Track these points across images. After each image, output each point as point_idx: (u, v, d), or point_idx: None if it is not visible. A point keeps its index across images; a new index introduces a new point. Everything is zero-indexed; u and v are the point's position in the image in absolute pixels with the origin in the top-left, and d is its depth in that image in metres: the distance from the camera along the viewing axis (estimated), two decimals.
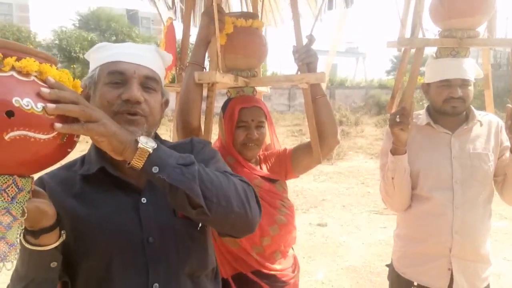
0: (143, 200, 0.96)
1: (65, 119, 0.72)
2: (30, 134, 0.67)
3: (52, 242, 0.83)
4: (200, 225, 1.00)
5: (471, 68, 1.52)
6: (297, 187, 6.33)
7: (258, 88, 1.81)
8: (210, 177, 0.84)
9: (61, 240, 0.85)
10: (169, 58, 1.10)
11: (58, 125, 0.70)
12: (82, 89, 0.98)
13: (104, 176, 0.97)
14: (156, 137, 1.07)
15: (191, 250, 0.99)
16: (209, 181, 0.83)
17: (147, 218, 0.95)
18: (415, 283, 1.58)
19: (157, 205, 0.96)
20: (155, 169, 0.78)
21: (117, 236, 0.92)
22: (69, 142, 0.76)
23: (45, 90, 0.70)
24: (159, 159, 0.79)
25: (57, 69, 0.77)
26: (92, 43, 19.86)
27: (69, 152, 0.79)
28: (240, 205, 0.87)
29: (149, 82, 0.96)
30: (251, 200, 0.90)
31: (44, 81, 0.73)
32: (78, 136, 0.79)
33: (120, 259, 0.92)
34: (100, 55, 0.99)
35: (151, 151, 0.79)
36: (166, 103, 1.08)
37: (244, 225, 0.91)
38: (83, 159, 1.04)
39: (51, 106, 0.69)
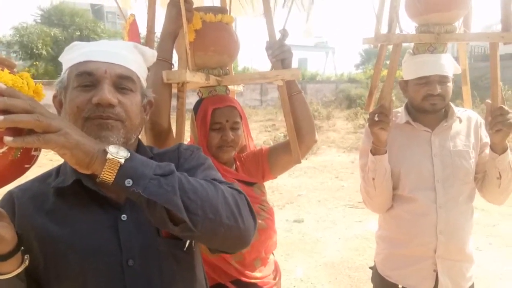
0: (123, 217, 0.86)
1: (19, 130, 0.62)
2: None
3: (12, 269, 0.74)
4: (186, 245, 0.90)
5: (449, 64, 1.49)
6: (272, 183, 6.29)
7: (232, 87, 1.72)
8: (194, 187, 0.74)
9: (23, 267, 0.75)
10: (152, 54, 1.00)
11: (8, 138, 0.60)
12: (54, 95, 0.89)
13: (80, 189, 0.86)
14: (139, 144, 0.97)
15: (176, 274, 0.89)
16: (193, 192, 0.73)
17: (127, 238, 0.84)
18: (400, 286, 1.55)
19: (139, 223, 0.85)
20: (128, 182, 0.68)
21: (92, 258, 0.82)
22: (25, 157, 0.66)
23: None
24: (132, 170, 0.69)
25: (10, 72, 0.66)
26: (55, 39, 19.09)
27: (27, 169, 0.68)
28: (230, 216, 0.76)
29: (123, 82, 0.85)
30: (243, 210, 0.80)
31: None
32: (38, 149, 0.68)
33: (96, 285, 0.82)
34: (70, 55, 0.88)
35: (123, 162, 0.68)
36: (149, 104, 0.97)
37: (236, 239, 0.81)
38: (58, 169, 0.93)
39: None
